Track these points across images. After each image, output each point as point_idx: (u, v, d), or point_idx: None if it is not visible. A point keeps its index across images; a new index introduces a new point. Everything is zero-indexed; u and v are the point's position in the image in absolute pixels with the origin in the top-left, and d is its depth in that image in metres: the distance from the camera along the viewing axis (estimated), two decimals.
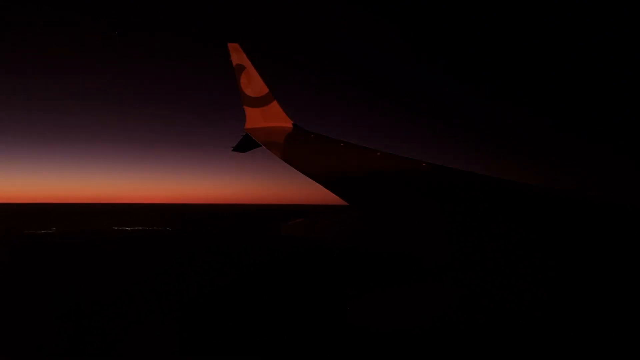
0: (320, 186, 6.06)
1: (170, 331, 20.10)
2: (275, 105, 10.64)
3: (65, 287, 29.45)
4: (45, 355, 17.88)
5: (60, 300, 25.69)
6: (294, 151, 9.37)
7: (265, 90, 10.69)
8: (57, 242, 58.61)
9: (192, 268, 36.63)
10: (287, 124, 10.47)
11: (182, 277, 32.29)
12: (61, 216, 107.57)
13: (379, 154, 7.87)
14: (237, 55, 10.68)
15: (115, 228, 79.72)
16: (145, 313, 22.78)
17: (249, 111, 10.74)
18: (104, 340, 18.88)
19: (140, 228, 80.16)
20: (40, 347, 18.43)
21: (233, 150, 11.03)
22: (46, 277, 33.35)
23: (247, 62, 10.66)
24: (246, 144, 10.74)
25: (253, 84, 10.69)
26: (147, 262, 41.18)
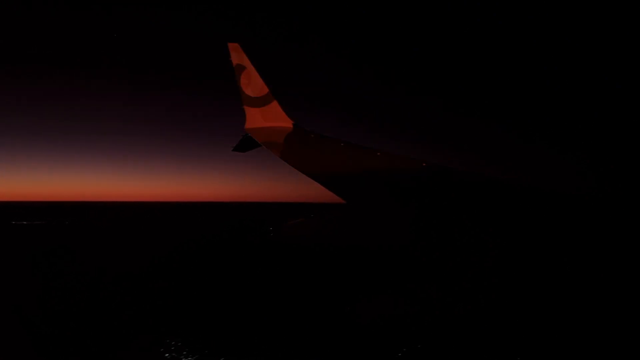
0: (320, 185, 6.10)
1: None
2: (275, 105, 10.66)
3: None
4: None
5: None
6: (294, 151, 9.39)
7: (265, 90, 10.70)
8: None
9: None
10: (287, 124, 10.48)
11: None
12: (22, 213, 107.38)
13: (377, 153, 7.91)
14: (237, 55, 10.69)
15: (14, 222, 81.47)
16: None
17: (249, 111, 10.76)
18: None
19: (39, 222, 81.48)
20: None
21: (233, 150, 11.05)
22: None
23: (247, 62, 10.67)
24: (246, 144, 10.75)
25: (253, 84, 10.71)
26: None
